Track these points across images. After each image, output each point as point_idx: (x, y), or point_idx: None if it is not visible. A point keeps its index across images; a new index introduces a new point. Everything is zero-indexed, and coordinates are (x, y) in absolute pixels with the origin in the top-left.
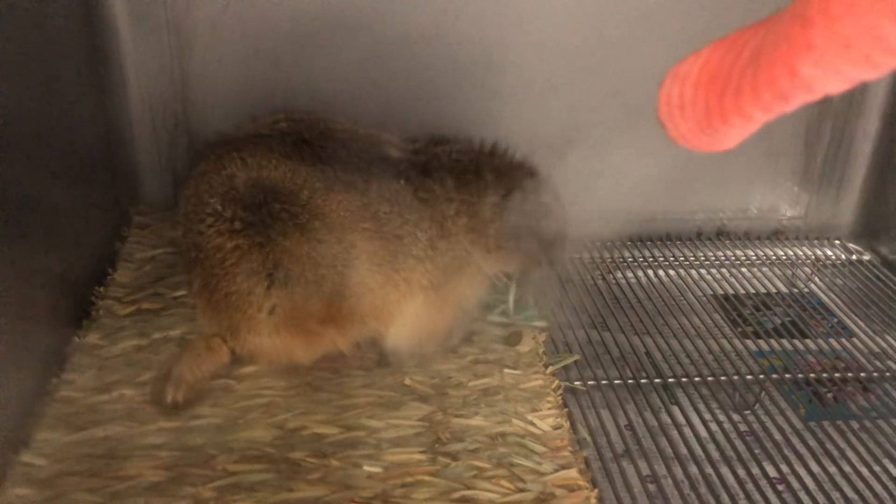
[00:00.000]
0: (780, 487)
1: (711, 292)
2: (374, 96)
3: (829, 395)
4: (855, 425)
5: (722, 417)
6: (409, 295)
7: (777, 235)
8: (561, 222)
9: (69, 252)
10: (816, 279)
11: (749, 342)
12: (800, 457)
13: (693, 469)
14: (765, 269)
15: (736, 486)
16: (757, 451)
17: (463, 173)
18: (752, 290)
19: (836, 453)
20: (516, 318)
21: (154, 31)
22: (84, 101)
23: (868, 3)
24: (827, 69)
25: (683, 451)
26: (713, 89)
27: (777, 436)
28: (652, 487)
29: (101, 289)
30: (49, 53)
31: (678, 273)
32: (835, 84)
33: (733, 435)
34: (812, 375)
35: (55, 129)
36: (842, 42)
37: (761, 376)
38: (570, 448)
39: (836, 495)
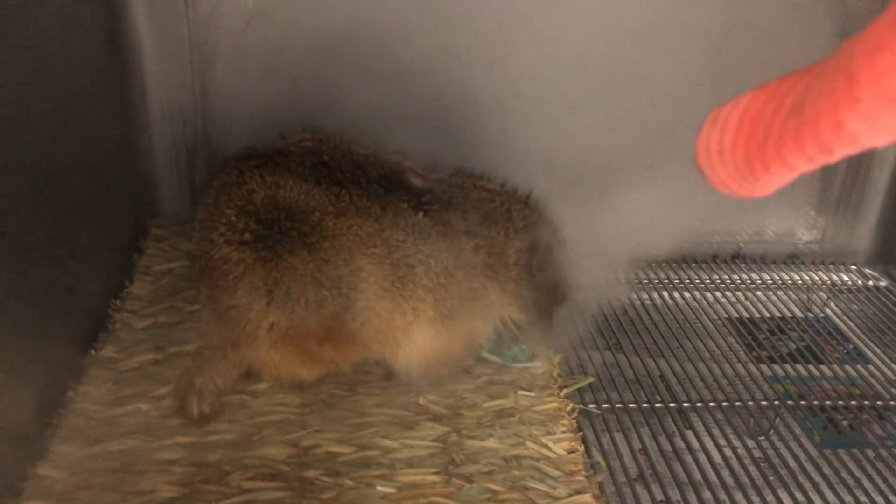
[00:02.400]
0: None
1: (727, 315)
2: (392, 114)
3: (845, 423)
4: (871, 454)
5: (736, 443)
6: (416, 323)
7: (793, 259)
8: (572, 284)
9: (86, 264)
10: (832, 304)
11: (764, 367)
12: (815, 485)
13: (707, 495)
14: (780, 293)
15: None
16: (771, 479)
17: (491, 212)
18: (768, 315)
19: (851, 482)
20: (507, 356)
21: (176, 48)
22: (105, 115)
23: None
24: (873, 123)
25: (698, 476)
26: (754, 138)
27: (792, 463)
28: None
29: (118, 301)
30: (71, 68)
31: (693, 295)
32: (881, 137)
33: (748, 461)
34: (827, 402)
35: (76, 142)
36: (889, 97)
37: (776, 402)
38: (584, 472)
39: None
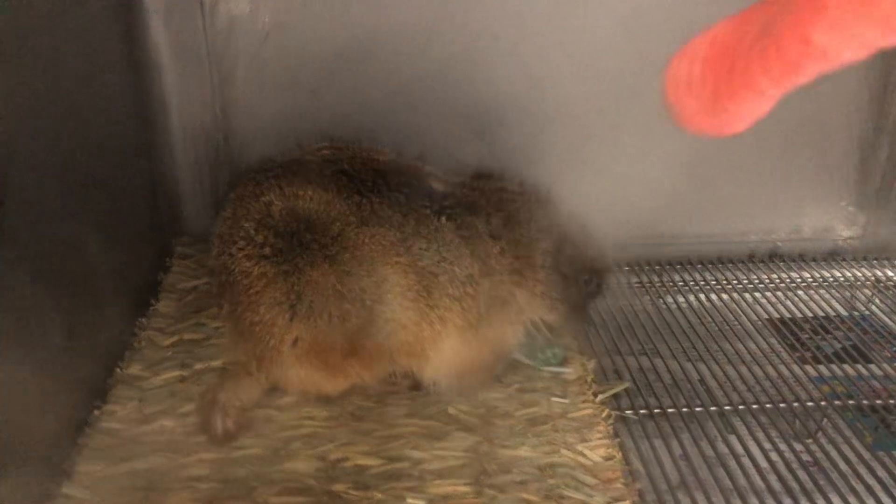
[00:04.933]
0: None
1: (767, 316)
2: (414, 123)
3: None
4: None
5: (783, 446)
6: (444, 333)
7: (833, 257)
8: (606, 279)
9: (112, 283)
10: (877, 301)
11: (808, 367)
12: (868, 488)
13: (753, 501)
14: (822, 291)
15: None
16: (822, 483)
17: (514, 213)
18: (810, 314)
19: None
20: (539, 359)
21: (195, 63)
22: (127, 134)
23: None
24: (842, 34)
25: (743, 482)
26: (722, 64)
27: (843, 466)
28: None
29: (144, 320)
30: (91, 87)
31: (731, 297)
32: (851, 51)
33: (795, 465)
34: (878, 402)
35: (99, 162)
36: (857, 2)
37: (822, 403)
38: (622, 480)
39: None
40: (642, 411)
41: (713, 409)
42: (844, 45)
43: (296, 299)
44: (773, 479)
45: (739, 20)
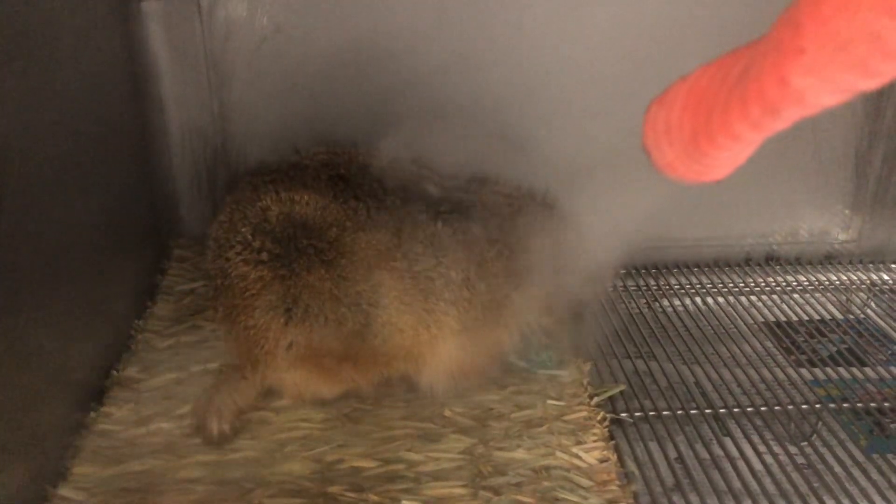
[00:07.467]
0: None
1: (763, 319)
2: (411, 127)
3: (893, 426)
4: None
5: (777, 449)
6: (440, 337)
7: (829, 260)
8: (602, 281)
9: (109, 286)
10: (873, 304)
11: (804, 370)
12: (863, 491)
13: (748, 503)
14: (818, 294)
15: None
16: (816, 485)
17: (510, 216)
18: (805, 317)
19: None
20: (534, 362)
21: (193, 67)
22: (125, 137)
23: (864, 0)
24: (820, 77)
25: (737, 484)
26: (701, 110)
27: (837, 468)
28: None
29: (141, 322)
30: (90, 90)
31: (727, 300)
32: (829, 94)
33: (790, 468)
34: (872, 404)
35: (97, 165)
36: (835, 45)
37: (818, 405)
38: (617, 482)
39: None
40: (637, 414)
41: (708, 411)
42: (823, 88)
43: (291, 303)
44: (767, 481)
45: (717, 66)
